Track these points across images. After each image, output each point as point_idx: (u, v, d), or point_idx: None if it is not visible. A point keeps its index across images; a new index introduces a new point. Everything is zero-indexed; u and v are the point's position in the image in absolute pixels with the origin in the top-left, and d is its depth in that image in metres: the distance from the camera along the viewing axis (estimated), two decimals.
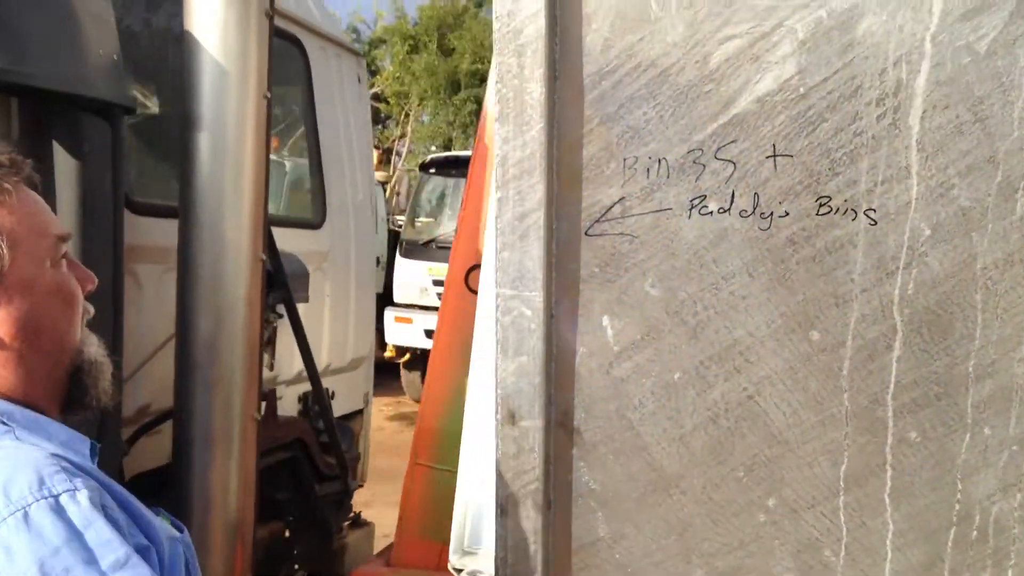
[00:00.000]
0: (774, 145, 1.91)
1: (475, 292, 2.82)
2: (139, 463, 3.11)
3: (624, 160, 1.98)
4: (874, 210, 1.88)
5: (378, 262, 10.00)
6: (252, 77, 2.86)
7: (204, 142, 2.83)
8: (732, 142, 1.93)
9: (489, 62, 3.55)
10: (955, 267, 1.86)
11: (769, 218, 1.93)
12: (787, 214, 1.92)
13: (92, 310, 1.45)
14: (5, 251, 1.28)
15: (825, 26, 1.87)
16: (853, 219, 1.89)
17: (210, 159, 2.83)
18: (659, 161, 1.97)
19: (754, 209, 1.94)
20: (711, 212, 1.96)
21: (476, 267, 2.90)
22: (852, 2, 1.85)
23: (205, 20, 2.80)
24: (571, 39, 1.94)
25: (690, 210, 1.97)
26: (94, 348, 1.42)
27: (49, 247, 1.36)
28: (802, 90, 1.89)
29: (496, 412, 2.06)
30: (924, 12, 1.83)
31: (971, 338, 1.85)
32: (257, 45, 2.86)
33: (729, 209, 1.95)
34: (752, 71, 1.90)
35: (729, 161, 1.94)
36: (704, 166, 1.95)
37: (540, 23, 1.93)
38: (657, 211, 1.98)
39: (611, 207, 2.00)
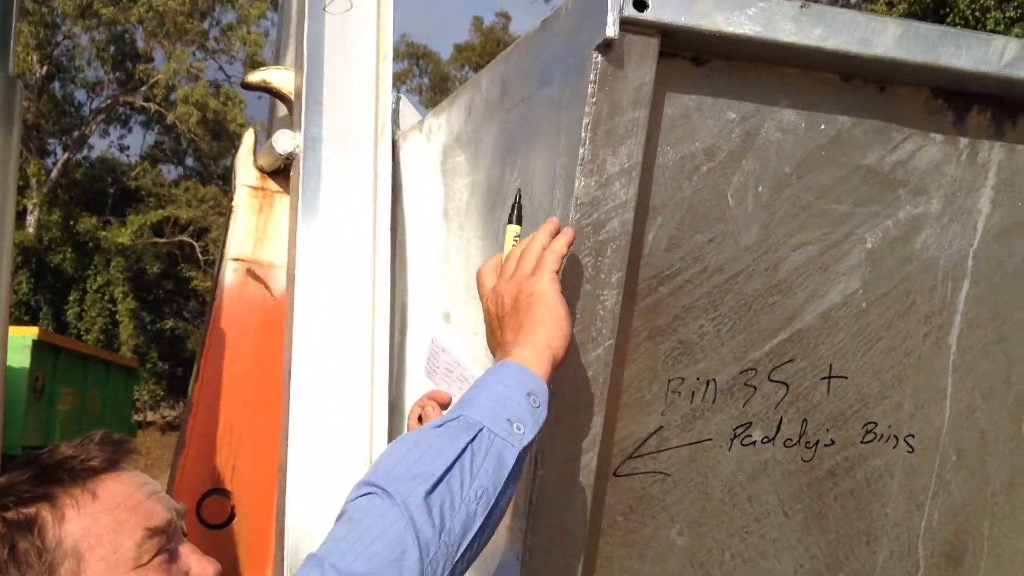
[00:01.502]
0: (831, 365, 1.65)
1: (214, 527, 2.21)
2: None
3: (668, 382, 1.58)
4: (913, 436, 1.73)
5: None
6: None
7: None
8: (789, 361, 1.63)
9: None
10: (971, 494, 1.79)
11: (814, 447, 1.68)
12: (832, 443, 1.69)
13: None
14: (75, 565, 1.23)
15: (891, 236, 1.64)
16: (894, 446, 1.72)
17: None
18: (708, 383, 1.60)
19: (800, 438, 1.67)
20: (754, 442, 1.64)
21: (213, 493, 2.25)
22: (916, 213, 1.65)
23: None
24: (633, 235, 1.47)
25: (732, 440, 1.63)
26: None
27: (133, 547, 1.26)
28: (864, 305, 1.65)
29: None
30: (970, 228, 1.70)
31: (976, 569, 1.81)
32: None
33: (774, 439, 1.65)
34: (820, 282, 1.61)
35: (782, 383, 1.63)
36: (755, 388, 1.62)
37: (628, 217, 1.43)
38: (696, 443, 1.61)
39: (647, 439, 1.59)
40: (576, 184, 1.40)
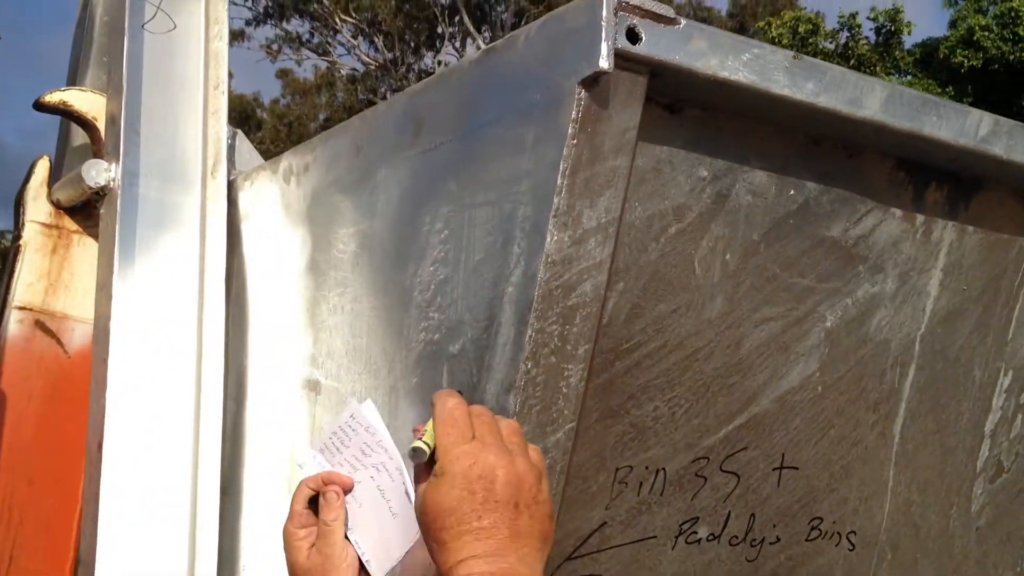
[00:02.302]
0: (783, 455, 1.50)
1: None
2: None
3: (616, 471, 1.37)
4: (855, 532, 1.60)
5: None
6: None
7: None
8: (743, 449, 1.46)
9: None
10: None
11: (759, 545, 1.51)
12: (778, 540, 1.53)
13: None
14: None
15: (849, 315, 1.51)
16: (837, 544, 1.58)
17: None
18: (657, 472, 1.40)
19: (746, 535, 1.50)
20: (699, 540, 1.46)
21: None
22: (873, 292, 1.53)
23: None
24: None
25: (677, 537, 1.44)
26: None
27: None
28: (820, 389, 1.51)
29: None
30: (920, 310, 1.59)
31: None
32: None
33: (720, 535, 1.48)
34: (780, 362, 1.46)
35: (734, 474, 1.46)
36: (706, 479, 1.44)
37: (601, 280, 1.23)
38: (640, 540, 1.42)
39: (588, 537, 1.38)
40: (548, 239, 1.18)
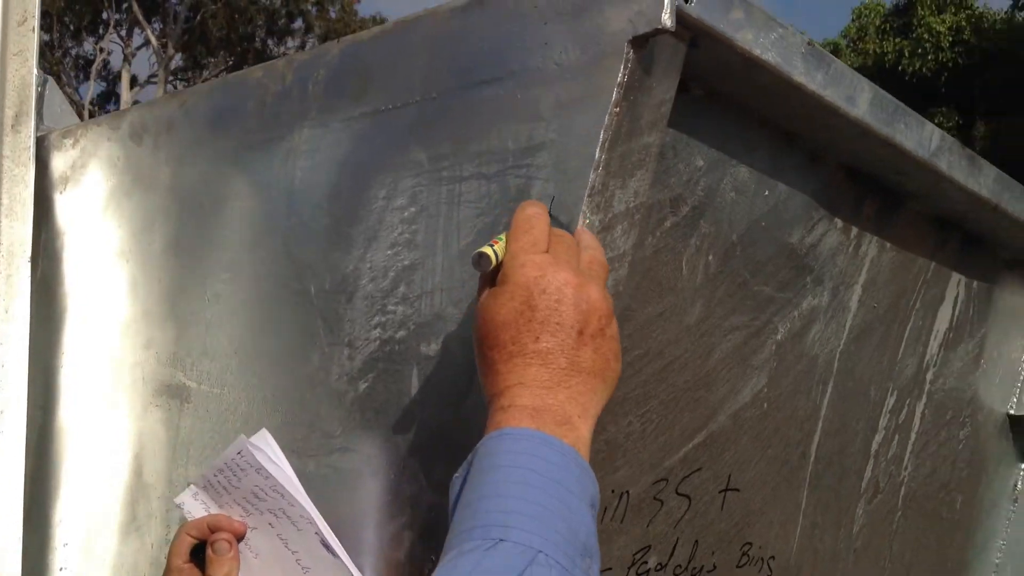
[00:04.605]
0: (730, 476, 1.39)
1: None
2: None
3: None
4: (774, 558, 1.52)
5: None
6: None
7: None
8: (697, 470, 1.34)
9: None
10: None
11: (698, 575, 1.39)
12: (714, 568, 1.41)
13: None
14: None
15: (794, 328, 1.44)
16: (759, 570, 1.49)
17: None
18: (621, 496, 1.25)
19: (688, 563, 1.37)
20: (648, 571, 1.32)
21: None
22: (814, 304, 1.47)
23: None
24: None
25: (629, 568, 1.29)
26: None
27: None
28: (766, 406, 1.42)
29: None
30: (842, 326, 1.55)
31: None
32: None
33: (666, 565, 1.34)
34: (739, 375, 1.35)
35: (686, 496, 1.34)
36: (662, 503, 1.31)
37: (622, 275, 1.05)
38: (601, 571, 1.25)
39: None
40: (580, 223, 1.00)
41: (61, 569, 1.49)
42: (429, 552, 1.05)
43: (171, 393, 1.39)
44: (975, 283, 1.80)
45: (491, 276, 0.94)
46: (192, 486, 1.17)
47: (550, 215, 0.99)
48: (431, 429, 1.08)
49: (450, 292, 1.09)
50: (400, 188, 1.16)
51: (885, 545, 1.81)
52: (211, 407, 1.33)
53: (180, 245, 1.42)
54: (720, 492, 1.38)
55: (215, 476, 1.15)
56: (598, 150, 0.99)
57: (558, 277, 0.90)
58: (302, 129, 1.29)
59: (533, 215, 0.95)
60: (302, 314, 1.24)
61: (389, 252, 1.15)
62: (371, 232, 1.18)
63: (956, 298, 1.77)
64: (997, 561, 2.10)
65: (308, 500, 1.11)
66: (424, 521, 1.07)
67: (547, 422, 0.86)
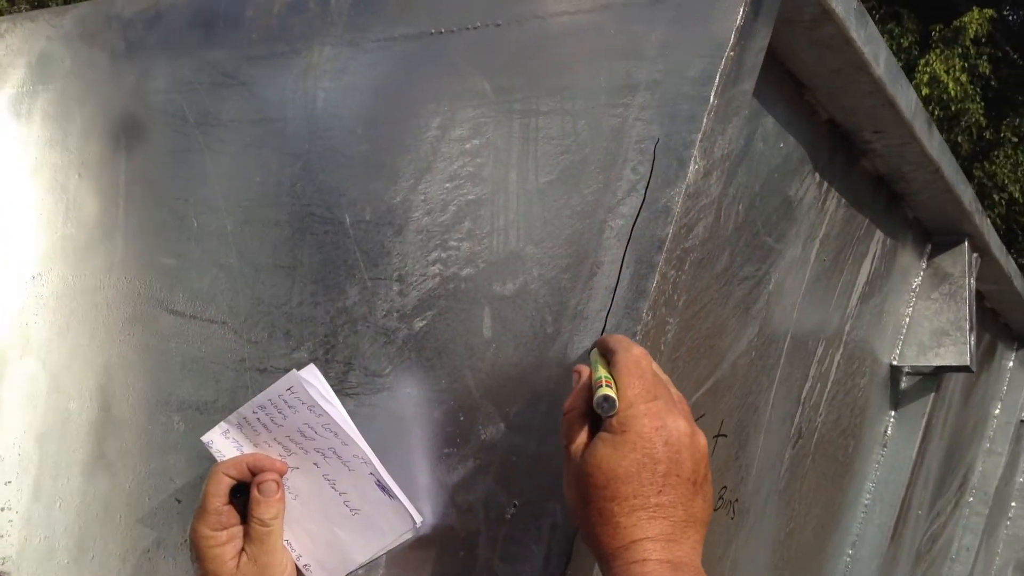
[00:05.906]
0: (722, 421, 1.42)
1: None
2: None
3: None
4: (738, 500, 1.56)
5: None
6: None
7: None
8: (701, 416, 1.35)
9: None
10: (749, 560, 1.68)
11: None
12: None
13: None
14: None
15: (779, 280, 1.47)
16: (727, 513, 1.53)
17: None
18: None
19: None
20: None
21: None
22: (792, 256, 1.50)
23: None
24: None
25: None
26: None
27: None
28: (754, 354, 1.45)
29: None
30: (799, 282, 1.61)
31: None
32: None
33: None
34: (742, 324, 1.37)
35: None
36: None
37: (710, 222, 1.03)
38: None
39: None
40: (690, 167, 0.97)
41: (3, 509, 1.32)
42: (512, 497, 1.01)
43: (146, 321, 1.25)
44: (888, 240, 1.91)
45: (590, 413, 0.91)
46: (223, 423, 1.07)
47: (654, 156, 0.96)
48: (509, 371, 1.03)
49: (529, 231, 1.04)
50: (459, 118, 1.09)
51: (797, 488, 1.90)
52: (206, 336, 1.21)
53: (156, 161, 1.28)
54: (713, 438, 1.40)
55: (254, 413, 1.05)
56: (712, 94, 0.97)
57: (677, 427, 0.90)
58: (323, 47, 1.18)
59: (640, 356, 0.93)
60: (331, 245, 1.15)
61: (448, 185, 1.08)
62: (423, 163, 1.10)
63: (875, 255, 1.86)
64: (866, 502, 2.25)
65: (363, 439, 1.04)
66: (502, 464, 1.03)
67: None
